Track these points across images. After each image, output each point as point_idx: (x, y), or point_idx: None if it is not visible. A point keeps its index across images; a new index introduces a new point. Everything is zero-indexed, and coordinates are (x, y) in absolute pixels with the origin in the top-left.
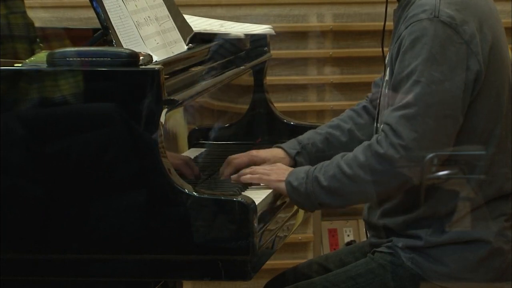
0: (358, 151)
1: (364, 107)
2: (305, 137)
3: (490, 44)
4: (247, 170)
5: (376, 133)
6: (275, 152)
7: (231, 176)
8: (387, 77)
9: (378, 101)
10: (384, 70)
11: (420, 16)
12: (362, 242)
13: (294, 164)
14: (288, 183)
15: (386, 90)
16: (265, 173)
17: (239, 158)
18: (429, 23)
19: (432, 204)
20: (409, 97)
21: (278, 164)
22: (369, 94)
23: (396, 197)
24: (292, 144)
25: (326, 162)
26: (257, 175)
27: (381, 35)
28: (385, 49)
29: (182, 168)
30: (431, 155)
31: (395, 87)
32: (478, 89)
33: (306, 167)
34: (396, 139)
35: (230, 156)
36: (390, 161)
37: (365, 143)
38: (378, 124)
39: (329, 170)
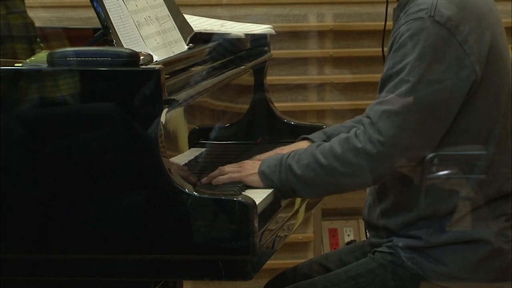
0: (335, 143)
1: None
2: (331, 128)
3: (489, 44)
4: (216, 172)
5: None
6: (300, 144)
7: (201, 180)
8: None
9: None
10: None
11: (416, 15)
12: (362, 241)
13: None
14: (261, 172)
15: None
16: (235, 171)
17: (264, 156)
18: (424, 22)
19: (432, 204)
20: (395, 94)
21: (245, 161)
22: None
23: (392, 197)
24: (318, 134)
25: (300, 150)
26: (226, 176)
27: (382, 35)
28: (385, 49)
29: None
30: (431, 155)
31: (383, 82)
32: (474, 89)
33: (278, 155)
34: (374, 134)
35: (256, 156)
36: (366, 155)
37: (342, 135)
38: None
39: (303, 158)
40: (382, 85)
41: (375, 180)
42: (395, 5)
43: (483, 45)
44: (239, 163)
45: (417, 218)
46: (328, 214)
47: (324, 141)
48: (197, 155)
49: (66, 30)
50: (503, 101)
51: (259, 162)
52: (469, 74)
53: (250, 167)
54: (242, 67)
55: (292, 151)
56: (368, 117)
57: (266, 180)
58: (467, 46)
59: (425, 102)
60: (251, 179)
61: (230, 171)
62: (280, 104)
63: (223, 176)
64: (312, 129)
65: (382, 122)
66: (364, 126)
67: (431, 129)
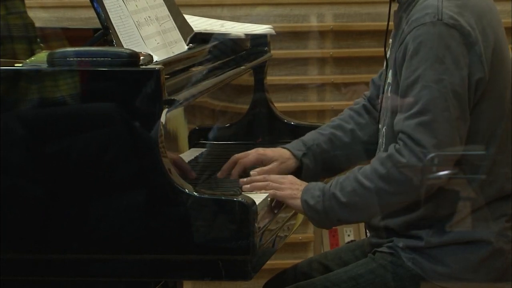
0: (376, 163)
1: (364, 106)
2: (309, 138)
3: (493, 45)
4: (260, 179)
5: (379, 134)
6: (281, 152)
7: (242, 185)
8: (389, 80)
9: (379, 102)
10: (385, 71)
11: (423, 20)
12: (362, 240)
13: (300, 165)
14: (304, 201)
15: (389, 93)
16: (279, 188)
17: (246, 157)
18: (433, 26)
19: (433, 205)
20: (422, 103)
21: (289, 176)
22: (366, 93)
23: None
24: (297, 145)
25: (342, 177)
26: (271, 190)
27: (384, 35)
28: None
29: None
30: (431, 155)
31: (403, 93)
32: (481, 91)
33: (320, 184)
34: (417, 147)
35: (235, 155)
36: (413, 169)
37: (382, 154)
38: (380, 126)
39: (347, 185)
40: (402, 94)
41: (425, 192)
42: (395, 7)
43: (487, 45)
44: (283, 176)
45: (418, 219)
46: None
47: (305, 153)
48: (197, 155)
49: (66, 30)
50: (505, 102)
51: (302, 184)
52: (479, 75)
53: (295, 189)
54: (242, 67)
55: (334, 179)
56: (403, 132)
57: (309, 209)
58: (478, 46)
59: (451, 103)
60: (293, 203)
61: (275, 187)
62: (280, 104)
63: (267, 190)
64: (312, 129)
65: (421, 134)
66: (403, 141)
67: (461, 129)
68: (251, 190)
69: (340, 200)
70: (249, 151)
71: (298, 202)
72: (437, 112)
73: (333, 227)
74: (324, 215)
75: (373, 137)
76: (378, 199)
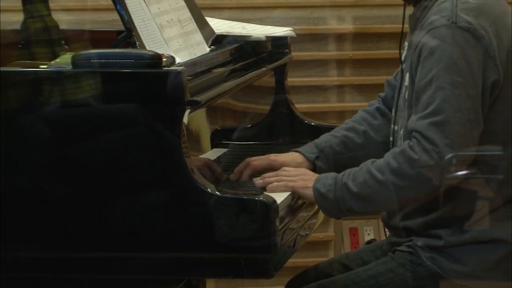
0: (389, 157)
1: (378, 108)
2: (322, 140)
3: (507, 47)
4: (272, 175)
5: (393, 135)
6: (293, 156)
7: (255, 182)
8: (406, 83)
9: (395, 103)
10: (401, 73)
11: (438, 23)
12: (382, 241)
13: (314, 168)
14: (315, 189)
15: (406, 95)
16: (291, 180)
17: (257, 160)
18: (447, 29)
19: (452, 205)
20: (435, 104)
21: (302, 169)
22: (381, 94)
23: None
24: (310, 148)
25: (355, 169)
26: (283, 183)
27: (399, 37)
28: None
29: (204, 170)
30: (449, 155)
31: (417, 94)
32: (497, 93)
33: (333, 174)
34: (429, 145)
35: (248, 158)
36: (424, 166)
37: (396, 149)
38: (396, 127)
39: (359, 176)
40: (416, 95)
41: (434, 191)
42: (411, 11)
43: (502, 48)
44: (297, 169)
45: (438, 218)
46: None
47: (317, 156)
48: (219, 155)
49: (90, 32)
50: None
51: (315, 175)
52: (494, 77)
53: (307, 179)
54: (263, 68)
55: (347, 170)
56: (417, 131)
57: (320, 197)
58: (491, 49)
59: (464, 105)
60: (305, 192)
61: (287, 180)
62: (300, 105)
63: (279, 184)
64: (332, 129)
65: (434, 134)
66: (416, 139)
67: (474, 131)
68: (264, 185)
69: (351, 190)
70: (262, 156)
71: (310, 191)
72: (450, 113)
73: (344, 218)
74: (335, 204)
75: (387, 138)
76: (388, 192)
